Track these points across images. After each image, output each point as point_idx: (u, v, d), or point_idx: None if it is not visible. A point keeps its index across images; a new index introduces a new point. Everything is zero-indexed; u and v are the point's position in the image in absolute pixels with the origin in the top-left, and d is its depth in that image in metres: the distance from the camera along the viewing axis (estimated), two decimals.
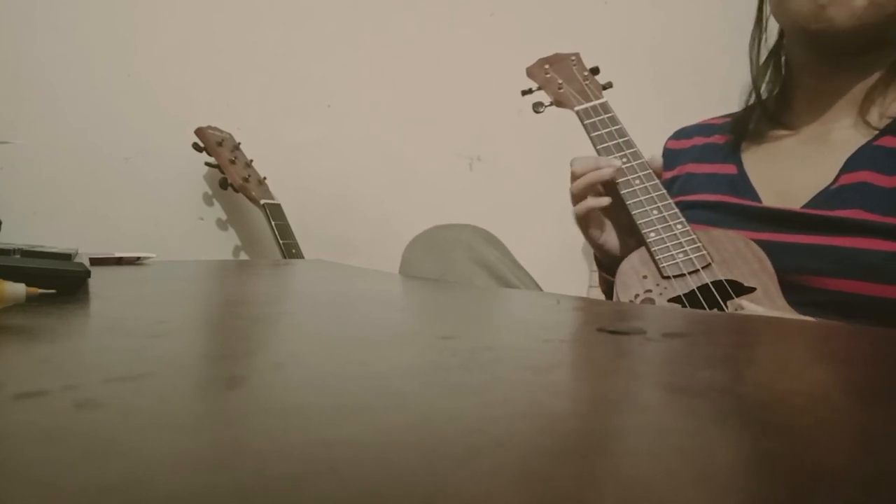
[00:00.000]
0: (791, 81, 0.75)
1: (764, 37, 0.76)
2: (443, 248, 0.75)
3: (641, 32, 1.47)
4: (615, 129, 0.73)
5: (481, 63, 1.34)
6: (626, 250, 0.72)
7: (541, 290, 0.80)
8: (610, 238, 0.74)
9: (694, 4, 1.49)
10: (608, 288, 0.79)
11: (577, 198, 0.72)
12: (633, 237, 0.72)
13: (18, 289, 0.27)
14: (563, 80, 0.80)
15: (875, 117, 0.66)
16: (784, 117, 0.74)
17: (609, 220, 0.74)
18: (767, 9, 0.75)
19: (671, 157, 0.83)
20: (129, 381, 0.16)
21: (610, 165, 0.70)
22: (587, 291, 1.14)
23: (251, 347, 0.23)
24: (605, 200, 0.71)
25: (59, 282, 0.34)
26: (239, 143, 1.15)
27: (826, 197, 0.64)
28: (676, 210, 0.67)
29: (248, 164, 1.14)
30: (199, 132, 1.11)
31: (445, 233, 0.77)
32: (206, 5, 1.17)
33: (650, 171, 0.70)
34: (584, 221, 0.73)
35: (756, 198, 0.70)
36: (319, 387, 0.17)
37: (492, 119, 1.35)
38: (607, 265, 0.76)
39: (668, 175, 0.81)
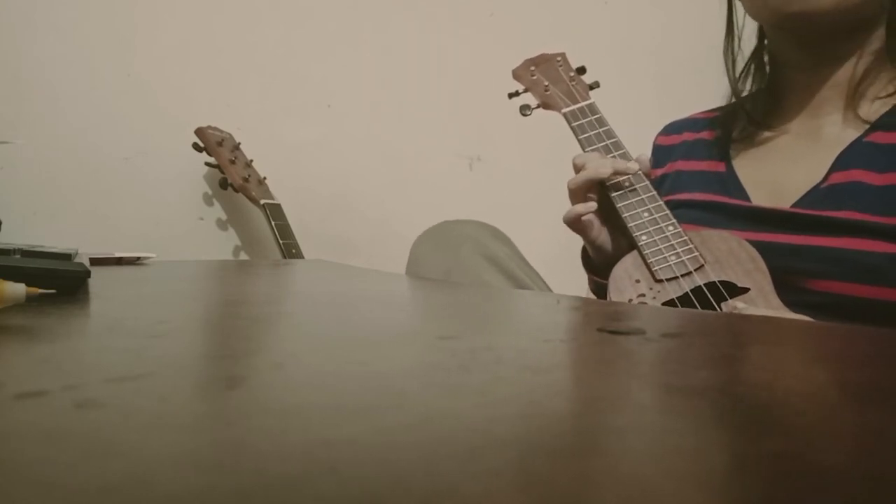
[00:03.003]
0: (777, 78, 0.74)
1: (737, 44, 0.75)
2: (452, 243, 0.75)
3: (641, 32, 1.47)
4: (603, 131, 0.73)
5: (481, 63, 1.34)
6: (619, 249, 0.72)
7: (548, 286, 0.80)
8: (601, 236, 0.73)
9: (693, 4, 1.49)
10: (597, 288, 0.78)
11: (574, 193, 0.71)
12: (624, 236, 0.72)
13: (18, 289, 0.27)
14: (550, 82, 0.79)
15: (865, 111, 0.65)
16: (773, 114, 0.73)
17: (600, 220, 0.73)
18: (737, 15, 0.74)
19: (661, 153, 0.82)
20: (130, 381, 0.16)
21: (604, 165, 0.68)
22: (587, 292, 1.14)
23: (251, 347, 0.23)
24: (592, 206, 0.70)
25: (59, 282, 0.34)
26: (239, 143, 1.15)
27: (817, 196, 0.63)
28: (667, 211, 0.66)
29: (248, 164, 1.14)
30: (199, 132, 1.11)
31: (454, 228, 0.77)
32: (206, 5, 1.17)
33: (639, 172, 0.69)
34: (576, 224, 0.72)
35: (745, 197, 0.69)
36: (319, 387, 0.17)
37: (492, 119, 1.34)
38: (598, 264, 0.76)
39: (658, 172, 0.80)
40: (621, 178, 0.69)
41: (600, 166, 0.68)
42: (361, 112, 1.29)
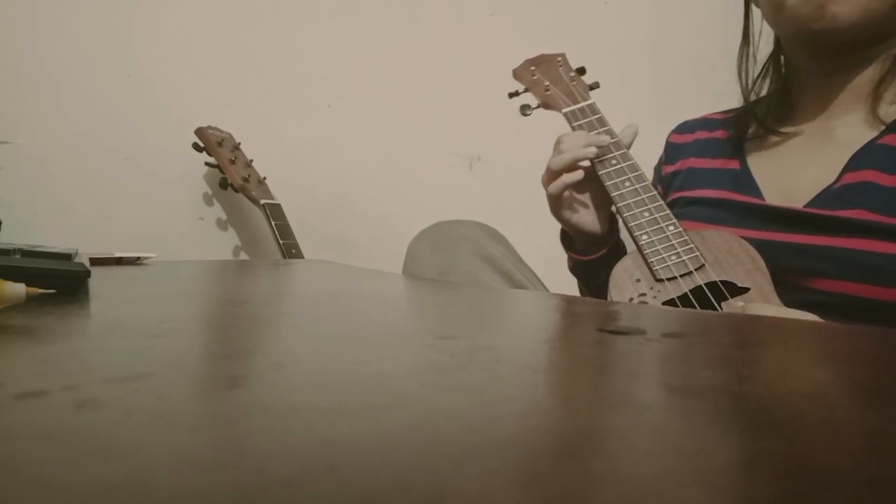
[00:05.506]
0: (793, 81, 0.74)
1: (752, 50, 0.76)
2: (448, 243, 0.75)
3: (641, 32, 1.47)
4: (604, 131, 0.73)
5: (481, 63, 1.34)
6: (596, 227, 0.74)
7: (544, 285, 0.80)
8: (582, 218, 0.74)
9: (693, 5, 1.49)
10: (575, 267, 0.79)
11: (554, 174, 0.71)
12: (601, 220, 0.74)
13: (18, 289, 0.27)
14: (550, 82, 0.80)
15: (880, 114, 0.65)
16: (787, 115, 0.73)
17: (581, 200, 0.75)
18: (753, 22, 0.74)
19: (673, 151, 0.83)
20: (130, 380, 0.16)
21: (594, 143, 0.70)
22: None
23: (252, 347, 0.23)
24: (578, 174, 0.71)
25: (59, 282, 0.34)
26: (239, 143, 1.15)
27: (829, 196, 0.64)
28: (668, 211, 0.66)
29: (248, 164, 1.14)
30: (199, 132, 1.11)
31: (451, 228, 0.77)
32: (206, 5, 1.17)
33: (641, 172, 0.70)
34: (558, 201, 0.73)
35: (759, 195, 0.69)
36: (320, 387, 0.17)
37: (492, 119, 1.34)
38: (578, 244, 0.78)
39: (670, 169, 0.81)
40: (620, 179, 0.69)
41: (583, 146, 0.70)
42: (361, 112, 1.29)
